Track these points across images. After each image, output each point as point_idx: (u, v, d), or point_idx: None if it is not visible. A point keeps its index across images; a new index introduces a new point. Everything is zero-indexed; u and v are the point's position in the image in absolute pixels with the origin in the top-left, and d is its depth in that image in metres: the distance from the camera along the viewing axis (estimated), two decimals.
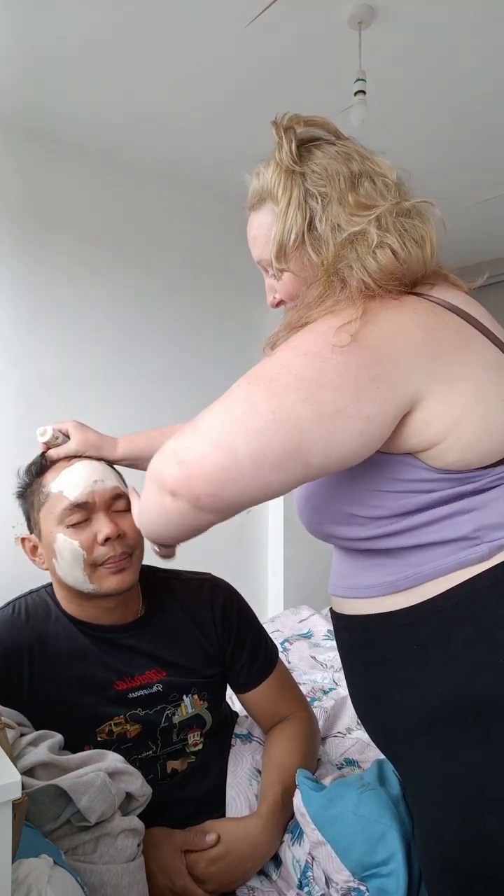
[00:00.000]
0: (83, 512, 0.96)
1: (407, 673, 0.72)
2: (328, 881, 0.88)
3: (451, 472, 0.69)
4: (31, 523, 1.03)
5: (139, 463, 1.08)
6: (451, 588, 0.69)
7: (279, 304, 0.85)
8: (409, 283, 0.71)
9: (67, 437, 1.04)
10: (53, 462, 1.02)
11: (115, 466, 1.08)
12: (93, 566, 0.96)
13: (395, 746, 0.78)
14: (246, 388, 0.65)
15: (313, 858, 0.90)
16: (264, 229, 0.81)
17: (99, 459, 1.04)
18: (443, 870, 0.70)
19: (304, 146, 0.78)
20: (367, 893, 0.84)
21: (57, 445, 1.04)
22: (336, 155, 0.77)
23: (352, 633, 0.80)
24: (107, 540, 0.96)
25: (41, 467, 1.03)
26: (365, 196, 0.74)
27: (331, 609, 0.86)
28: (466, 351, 0.69)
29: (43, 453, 1.05)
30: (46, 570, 1.03)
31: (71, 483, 0.98)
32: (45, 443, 1.03)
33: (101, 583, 0.97)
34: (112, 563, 0.97)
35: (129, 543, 0.99)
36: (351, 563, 0.79)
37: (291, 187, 0.76)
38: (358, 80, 1.62)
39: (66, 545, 0.95)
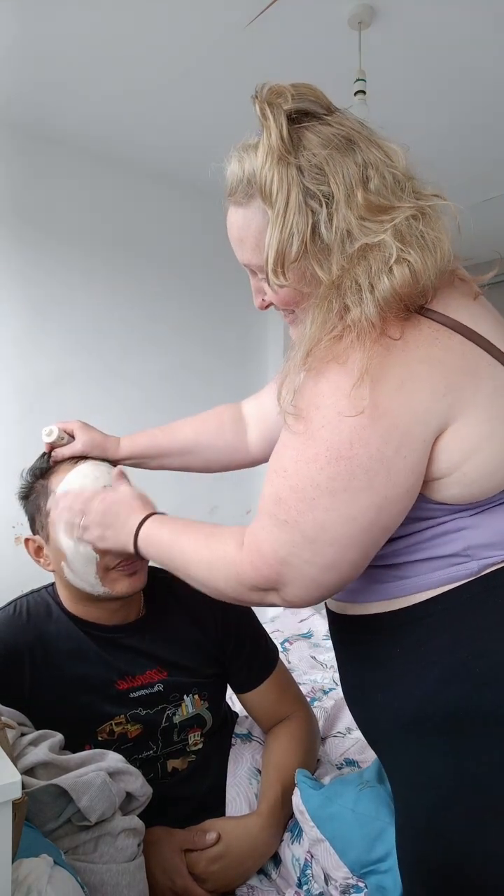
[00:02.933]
0: None
1: (389, 675, 0.72)
2: (327, 879, 0.88)
3: (450, 504, 0.68)
4: (38, 525, 1.02)
5: (142, 462, 1.08)
6: (436, 596, 0.69)
7: (268, 306, 0.79)
8: (415, 306, 0.64)
9: (72, 437, 1.04)
10: (58, 463, 1.02)
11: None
12: (105, 570, 0.96)
13: (376, 743, 0.79)
14: (312, 512, 0.65)
15: (312, 856, 0.91)
16: (254, 230, 0.71)
17: (103, 460, 1.04)
18: (410, 865, 0.71)
19: (295, 127, 0.66)
20: (366, 890, 0.84)
21: (62, 445, 1.03)
22: (336, 141, 0.65)
23: (343, 631, 0.81)
24: None
25: (45, 469, 1.02)
26: (375, 194, 0.64)
27: (326, 606, 0.86)
28: (476, 376, 0.64)
29: (46, 455, 1.04)
30: (52, 571, 1.02)
31: (82, 487, 0.97)
32: (49, 443, 1.03)
33: (114, 586, 0.97)
34: (125, 566, 0.97)
35: None
36: None
37: (289, 184, 0.64)
38: (358, 80, 1.62)
39: (80, 549, 0.95)
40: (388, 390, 0.61)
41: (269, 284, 0.71)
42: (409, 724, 0.70)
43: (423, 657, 0.69)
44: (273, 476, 0.68)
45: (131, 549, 0.85)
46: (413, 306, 0.64)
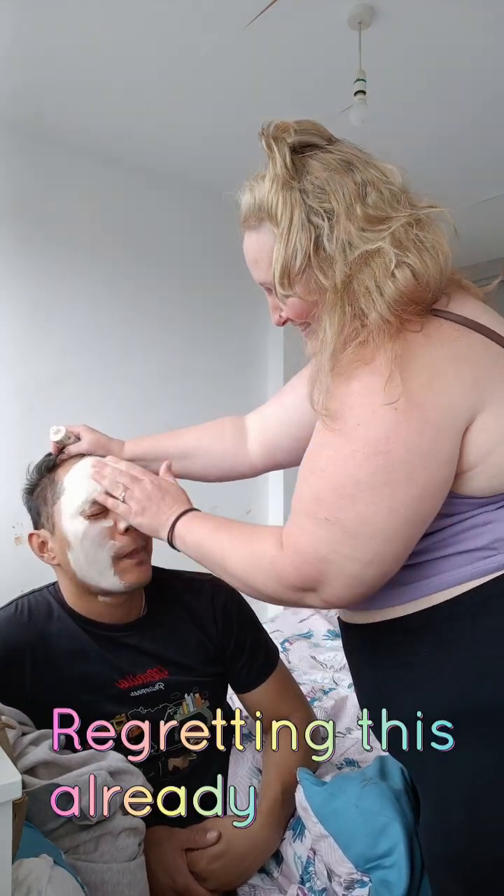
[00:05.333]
0: (100, 504, 0.97)
1: (415, 676, 0.73)
2: (330, 874, 0.89)
3: (476, 497, 0.69)
4: (43, 518, 1.03)
5: (143, 465, 1.10)
6: (462, 594, 0.70)
7: (286, 321, 0.83)
8: (428, 304, 0.68)
9: (78, 438, 1.07)
10: (63, 460, 1.04)
11: None
12: (115, 557, 0.97)
13: (403, 746, 0.78)
14: (353, 508, 0.66)
15: (315, 853, 0.91)
16: (266, 251, 0.77)
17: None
18: (447, 861, 0.71)
19: (298, 157, 0.73)
20: (370, 884, 0.84)
21: (68, 444, 1.06)
22: (336, 164, 0.72)
23: (362, 640, 0.81)
24: (127, 530, 0.97)
25: (52, 465, 1.04)
26: (374, 207, 0.70)
27: (339, 618, 0.86)
28: (496, 370, 0.68)
29: (51, 453, 1.07)
30: (57, 564, 1.03)
31: (88, 476, 0.99)
32: (56, 442, 1.05)
33: (124, 575, 0.98)
34: (136, 555, 0.98)
35: (144, 536, 1.00)
36: None
37: (292, 205, 0.71)
38: (358, 80, 1.63)
39: (88, 534, 0.96)
40: (418, 386, 0.64)
41: (277, 296, 0.77)
42: (440, 721, 0.70)
43: (453, 655, 0.69)
44: (310, 477, 0.70)
45: (164, 535, 0.87)
46: (425, 305, 0.67)
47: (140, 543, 0.99)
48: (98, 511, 0.97)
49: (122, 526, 0.97)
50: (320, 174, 0.71)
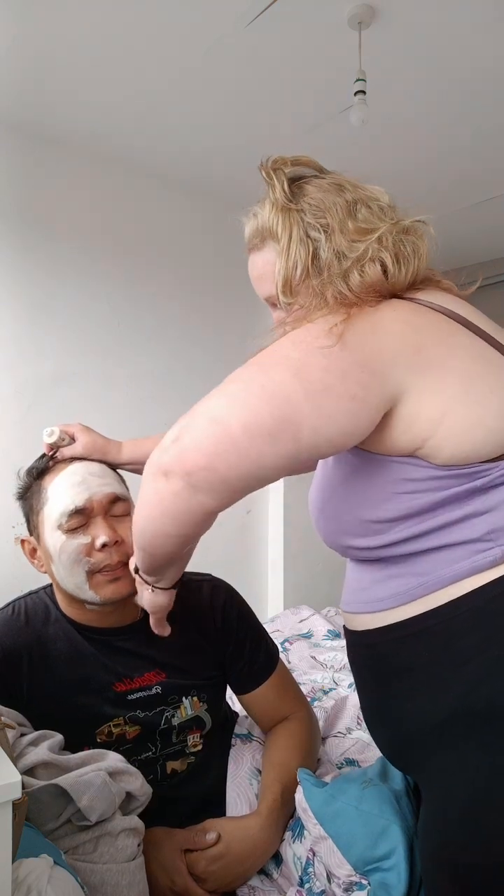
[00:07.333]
0: (81, 516, 0.95)
1: (417, 681, 0.73)
2: (329, 876, 0.88)
3: (455, 468, 0.69)
4: (31, 526, 1.02)
5: (143, 468, 1.08)
6: (462, 595, 0.70)
7: None
8: (388, 295, 0.73)
9: (73, 439, 1.04)
10: (55, 464, 1.02)
11: (119, 471, 1.08)
12: (90, 573, 0.95)
13: (407, 755, 0.78)
14: (238, 372, 0.68)
15: (314, 854, 0.91)
16: (269, 267, 0.83)
17: (102, 463, 1.04)
18: (444, 863, 0.71)
19: (295, 184, 0.82)
20: (369, 887, 0.84)
21: (62, 447, 1.03)
22: (328, 187, 0.80)
23: (365, 648, 0.81)
24: (104, 546, 0.95)
25: (42, 469, 1.02)
26: (364, 221, 0.77)
27: (343, 626, 0.86)
28: (450, 343, 0.70)
29: (44, 455, 1.04)
30: (45, 573, 1.02)
31: (69, 486, 0.97)
32: (50, 444, 1.02)
33: (99, 590, 0.96)
34: (109, 572, 0.96)
35: (127, 551, 0.97)
36: (366, 577, 0.80)
37: (290, 224, 0.79)
38: (358, 80, 1.62)
39: (65, 549, 0.95)
40: (359, 329, 0.67)
41: (281, 305, 0.83)
42: (443, 726, 0.70)
43: (453, 658, 0.70)
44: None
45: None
46: (386, 295, 0.72)
47: (116, 560, 0.96)
48: (76, 525, 0.95)
49: (98, 543, 0.94)
50: (316, 195, 0.80)
